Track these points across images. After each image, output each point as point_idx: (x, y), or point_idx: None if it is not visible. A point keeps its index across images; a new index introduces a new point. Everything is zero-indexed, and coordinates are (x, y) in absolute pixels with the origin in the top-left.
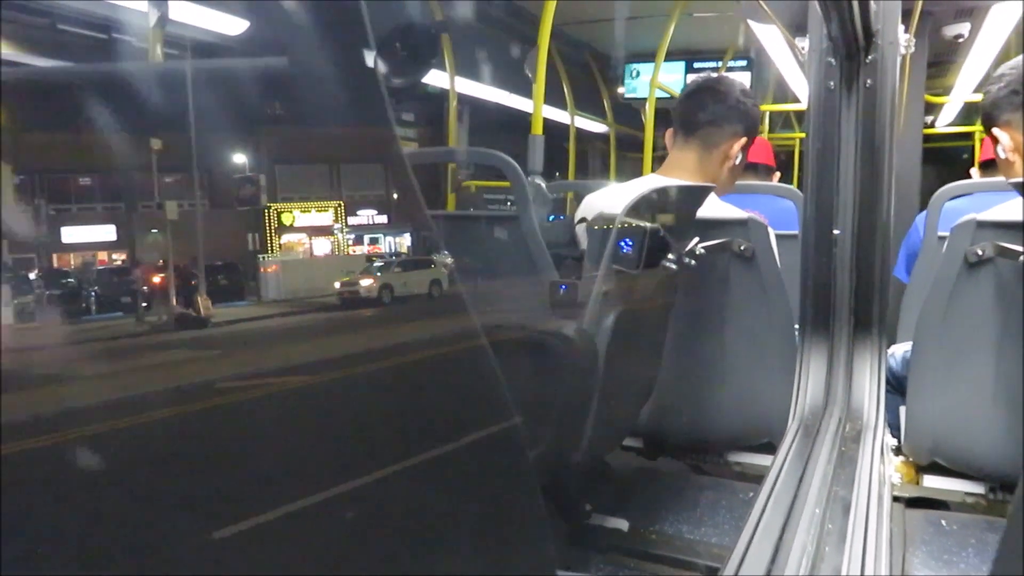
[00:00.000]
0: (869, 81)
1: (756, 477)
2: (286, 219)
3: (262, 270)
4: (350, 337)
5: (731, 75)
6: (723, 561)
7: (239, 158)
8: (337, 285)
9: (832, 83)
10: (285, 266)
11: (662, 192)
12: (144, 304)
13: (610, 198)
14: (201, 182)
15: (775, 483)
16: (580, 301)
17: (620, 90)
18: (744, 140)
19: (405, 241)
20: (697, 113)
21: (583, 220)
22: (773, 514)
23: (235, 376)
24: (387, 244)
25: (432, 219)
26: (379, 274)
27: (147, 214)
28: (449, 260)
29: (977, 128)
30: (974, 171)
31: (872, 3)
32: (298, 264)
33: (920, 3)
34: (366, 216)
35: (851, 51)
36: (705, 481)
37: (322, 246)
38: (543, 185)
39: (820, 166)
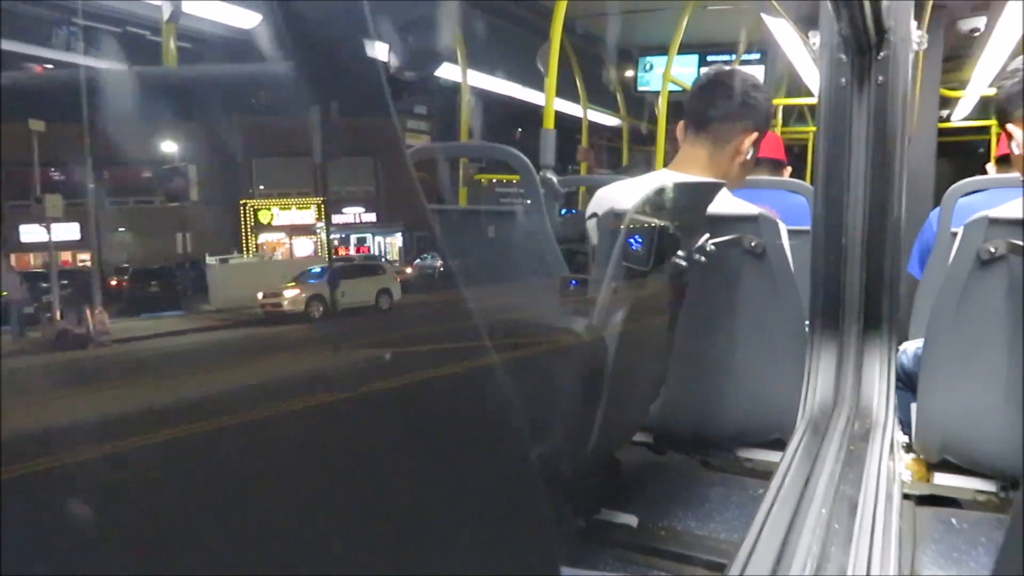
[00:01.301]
0: (881, 78)
1: (765, 473)
2: (263, 217)
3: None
4: (241, 370)
5: (743, 69)
6: (731, 558)
7: (170, 147)
8: (260, 296)
9: (843, 80)
10: (217, 271)
11: (673, 188)
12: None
13: (621, 193)
14: (125, 176)
15: (783, 481)
16: (590, 296)
17: (628, 73)
18: (755, 135)
19: (397, 241)
20: (708, 108)
21: (594, 215)
22: (780, 512)
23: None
24: (376, 245)
25: (433, 215)
26: (312, 282)
27: (27, 210)
28: (438, 263)
29: (994, 122)
30: (990, 166)
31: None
32: (235, 269)
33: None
34: (352, 214)
35: (862, 47)
36: (714, 477)
37: (304, 246)
38: (555, 179)
39: (831, 163)
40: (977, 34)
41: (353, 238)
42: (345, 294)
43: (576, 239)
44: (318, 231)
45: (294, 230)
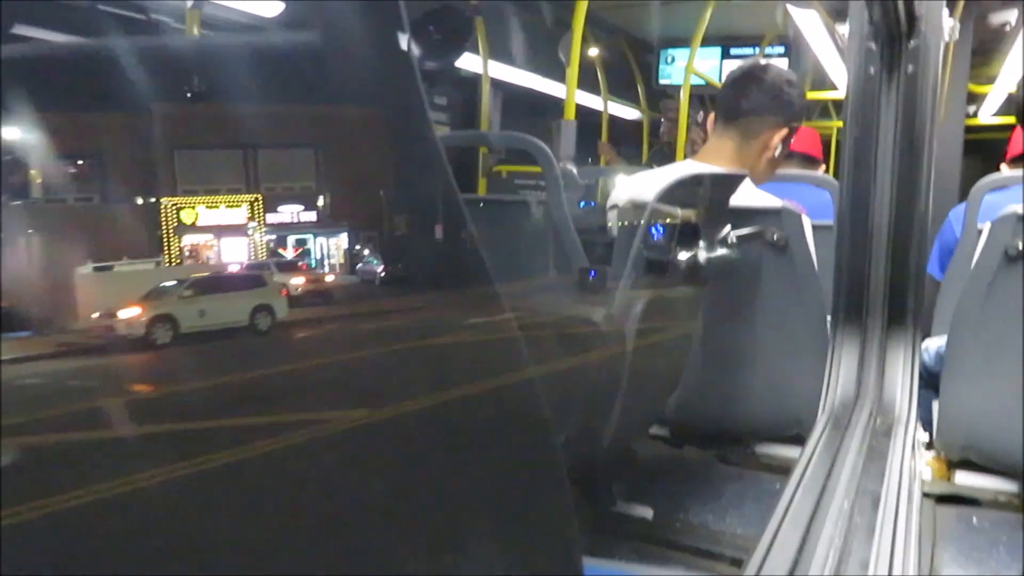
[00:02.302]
0: (911, 67)
1: (783, 469)
2: (187, 216)
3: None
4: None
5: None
6: (748, 552)
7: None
8: (96, 316)
9: (872, 69)
10: (87, 283)
11: (695, 179)
12: None
13: (643, 183)
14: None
15: (803, 474)
16: (609, 287)
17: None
18: (785, 131)
19: (342, 243)
20: (739, 101)
21: (615, 206)
22: (801, 505)
23: None
24: (317, 246)
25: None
26: (164, 297)
27: None
28: (379, 268)
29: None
30: (1004, 166)
31: None
32: (113, 280)
33: None
34: (289, 212)
35: (893, 36)
36: (731, 472)
37: (234, 249)
38: (574, 171)
39: (857, 154)
40: (1008, 28)
41: (291, 239)
42: (205, 313)
43: (596, 230)
44: (250, 232)
45: (223, 231)
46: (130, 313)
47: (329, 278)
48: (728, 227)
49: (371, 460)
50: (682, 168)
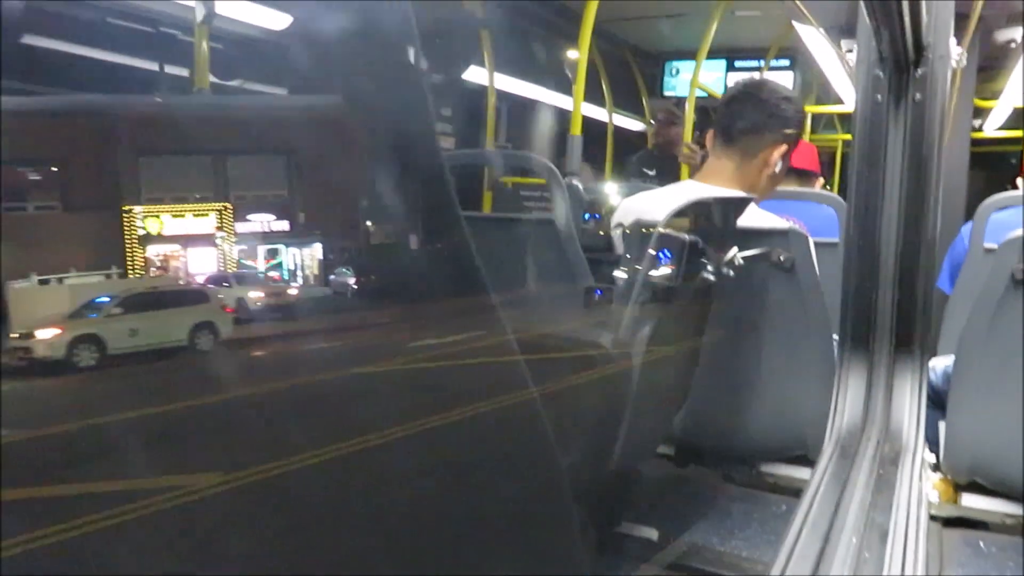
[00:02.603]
0: (918, 95)
1: (789, 489)
2: (152, 226)
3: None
4: None
5: (773, 77)
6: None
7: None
8: (15, 336)
9: (880, 96)
10: (21, 298)
11: (700, 201)
12: None
13: (648, 204)
14: None
15: (811, 506)
16: (615, 307)
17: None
18: (784, 147)
19: (316, 253)
20: (736, 121)
21: (620, 225)
22: (809, 539)
23: None
24: (289, 257)
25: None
26: (93, 316)
27: None
28: (351, 280)
29: None
30: (1021, 181)
31: (924, 16)
32: (49, 294)
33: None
34: (260, 222)
35: (900, 64)
36: (736, 492)
37: (202, 260)
38: (580, 186)
39: (865, 180)
40: (1013, 45)
41: (262, 249)
42: (137, 332)
43: (602, 248)
44: (219, 241)
45: (190, 241)
46: (48, 333)
47: (292, 291)
48: (735, 248)
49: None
50: (685, 189)
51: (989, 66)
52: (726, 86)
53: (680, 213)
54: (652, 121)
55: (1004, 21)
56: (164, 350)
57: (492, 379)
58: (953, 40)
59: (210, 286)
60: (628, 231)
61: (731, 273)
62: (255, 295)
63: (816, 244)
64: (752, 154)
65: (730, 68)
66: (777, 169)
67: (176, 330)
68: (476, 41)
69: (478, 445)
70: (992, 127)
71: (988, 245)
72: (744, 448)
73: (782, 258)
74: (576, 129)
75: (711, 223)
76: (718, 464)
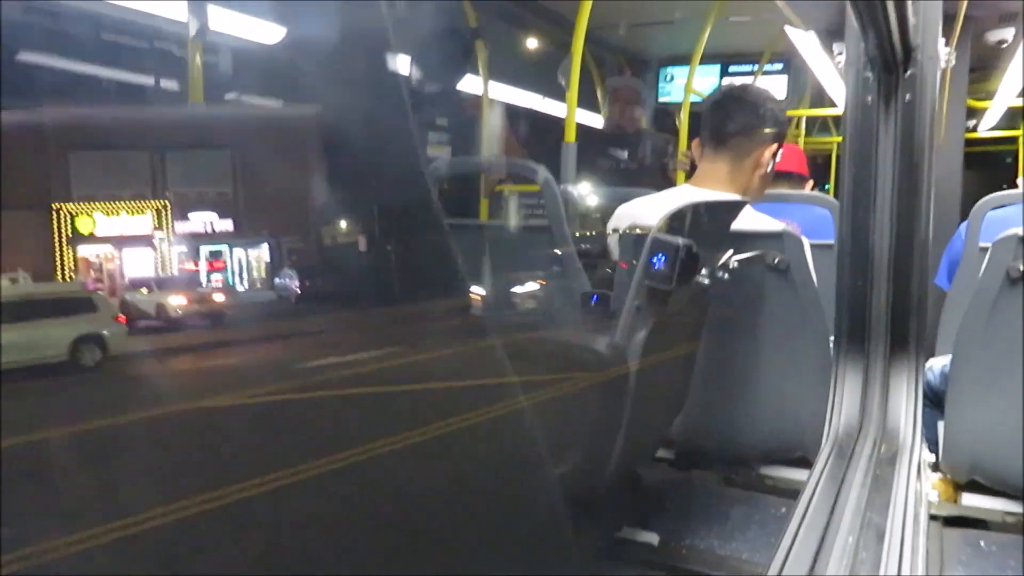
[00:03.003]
0: (908, 96)
1: (788, 491)
2: (83, 225)
3: None
4: None
5: (767, 81)
6: None
7: None
8: None
9: (870, 98)
10: None
11: (695, 205)
12: None
13: (643, 209)
14: None
15: (808, 507)
16: (612, 311)
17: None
18: (775, 146)
19: (263, 255)
20: (726, 123)
21: (615, 231)
22: (806, 540)
23: None
24: (234, 259)
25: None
26: None
27: None
28: (294, 283)
29: (1021, 132)
30: (1021, 180)
31: (911, 18)
32: None
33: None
34: (202, 221)
35: (889, 66)
36: (736, 495)
37: (139, 262)
38: (575, 192)
39: (857, 182)
40: (1004, 45)
41: (204, 250)
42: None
43: (597, 254)
44: (157, 242)
45: (125, 241)
46: None
47: (218, 297)
48: (730, 251)
49: None
50: (680, 193)
51: (982, 66)
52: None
53: (675, 217)
54: (608, 101)
55: (996, 22)
56: (36, 368)
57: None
58: (942, 41)
59: (125, 293)
60: (623, 236)
61: (726, 276)
62: (176, 301)
63: (812, 246)
64: (744, 154)
65: (724, 73)
66: (768, 169)
67: (53, 344)
68: (470, 50)
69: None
70: (986, 127)
71: (984, 244)
72: (743, 451)
73: (776, 260)
74: (570, 136)
75: (705, 226)
76: (718, 467)
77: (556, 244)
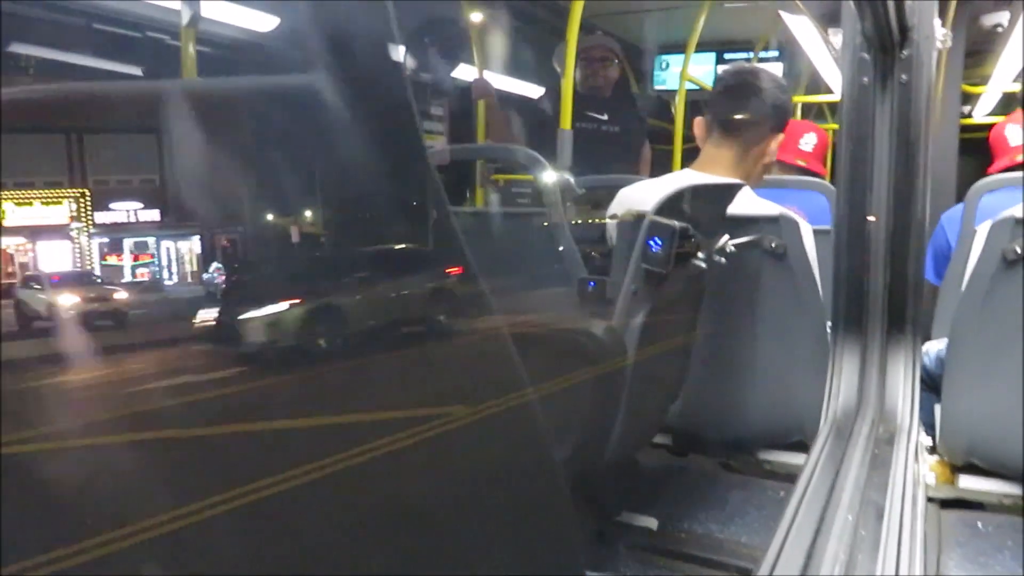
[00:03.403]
0: (904, 77)
1: (787, 476)
2: None
3: None
4: None
5: (762, 66)
6: (753, 561)
7: None
8: None
9: (866, 79)
10: None
11: (695, 189)
12: None
13: (642, 193)
14: None
15: (807, 487)
16: (609, 297)
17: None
18: (781, 136)
19: (195, 248)
20: (736, 110)
21: (614, 215)
22: (805, 519)
23: None
24: (163, 252)
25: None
26: None
27: None
28: (219, 279)
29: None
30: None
31: None
32: None
33: None
34: (125, 211)
35: (885, 46)
36: (734, 479)
37: (55, 255)
38: (571, 180)
39: (853, 163)
40: (1000, 29)
41: (128, 243)
42: None
43: (595, 240)
44: (74, 234)
45: (39, 233)
46: None
47: (121, 294)
48: (727, 236)
49: None
50: (681, 178)
51: (977, 51)
52: (716, 79)
53: (673, 200)
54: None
55: (991, 5)
56: None
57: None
58: (938, 21)
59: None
60: (622, 221)
61: (723, 260)
62: (69, 300)
63: (814, 231)
64: (753, 143)
65: (720, 60)
66: (772, 158)
67: None
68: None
69: None
70: (982, 113)
71: (978, 227)
72: (741, 435)
73: (774, 244)
74: (566, 123)
75: (703, 210)
76: (716, 452)
77: (553, 231)
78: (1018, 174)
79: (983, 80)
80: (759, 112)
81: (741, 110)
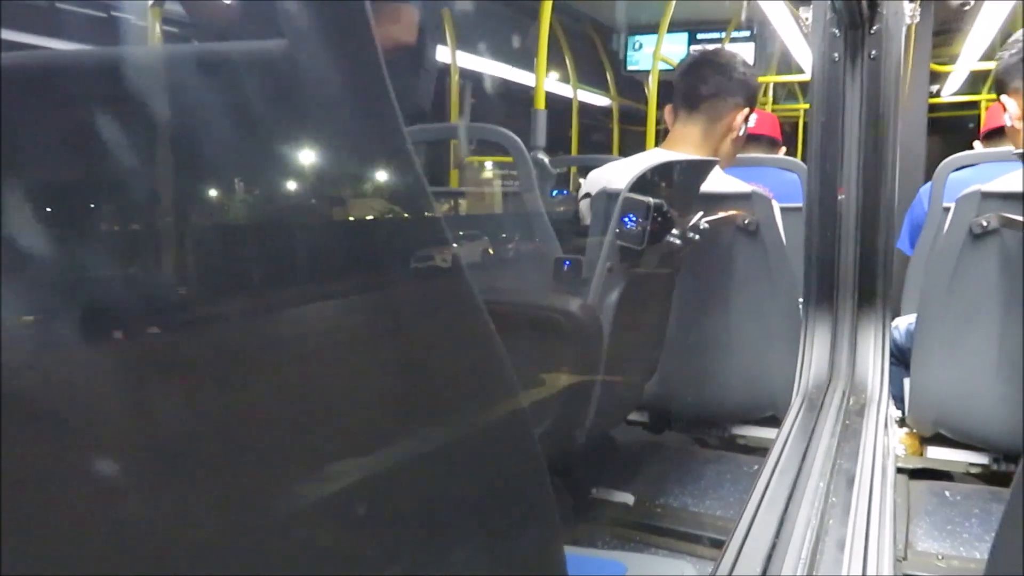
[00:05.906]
0: (874, 52)
1: (760, 450)
2: None
3: None
4: None
5: (735, 48)
6: (728, 533)
7: None
8: None
9: (836, 55)
10: None
11: (667, 166)
12: None
13: (614, 173)
14: None
15: (779, 457)
16: (584, 276)
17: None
18: (746, 110)
19: None
20: (699, 87)
21: (587, 195)
22: (778, 487)
23: None
24: None
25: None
26: None
27: None
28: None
29: (983, 97)
30: (977, 143)
31: None
32: None
33: None
34: None
35: (855, 22)
36: (709, 455)
37: None
38: (546, 160)
39: (824, 138)
40: (967, 8)
41: None
42: None
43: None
44: None
45: None
46: None
47: None
48: (699, 213)
49: None
50: (652, 156)
51: (945, 30)
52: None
53: (645, 178)
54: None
55: None
56: None
57: None
58: None
59: None
60: (594, 200)
61: (696, 237)
62: None
63: (782, 209)
64: (717, 118)
65: (692, 41)
66: (740, 133)
67: None
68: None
69: None
70: (949, 92)
71: (948, 204)
72: (715, 412)
73: (746, 222)
74: (540, 103)
75: (676, 188)
76: (691, 429)
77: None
78: (983, 151)
79: (951, 59)
80: (719, 86)
81: (702, 84)
